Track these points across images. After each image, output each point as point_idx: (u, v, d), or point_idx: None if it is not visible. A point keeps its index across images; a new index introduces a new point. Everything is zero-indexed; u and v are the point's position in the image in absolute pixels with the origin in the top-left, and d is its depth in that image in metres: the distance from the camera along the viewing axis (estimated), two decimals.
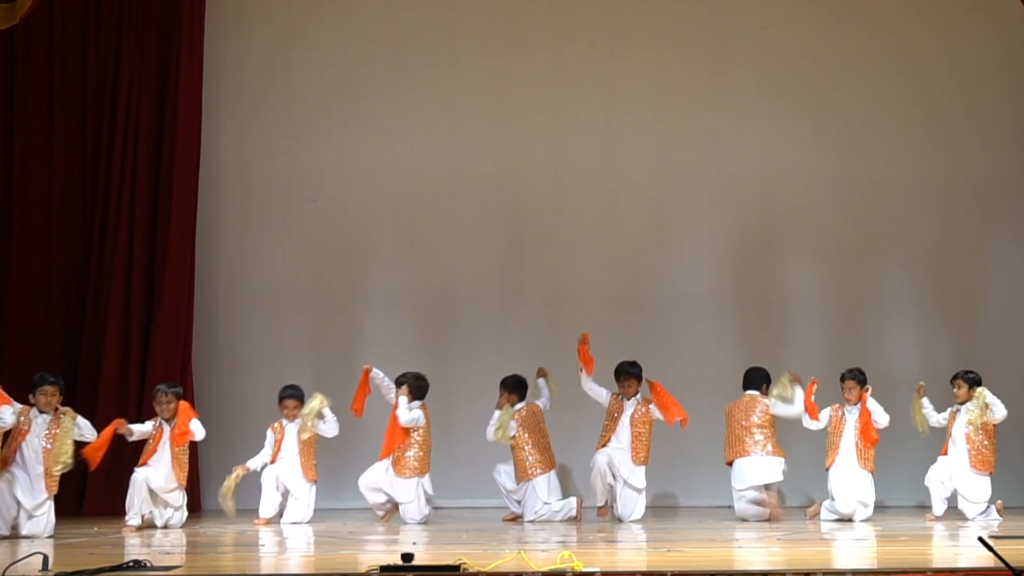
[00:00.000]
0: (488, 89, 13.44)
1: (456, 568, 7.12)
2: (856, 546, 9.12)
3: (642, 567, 7.68)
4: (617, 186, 13.36)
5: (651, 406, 11.37)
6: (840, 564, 7.94)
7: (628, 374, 11.47)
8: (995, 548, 6.83)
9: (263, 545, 9.46)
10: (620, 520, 11.21)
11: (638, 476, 11.34)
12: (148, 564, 7.63)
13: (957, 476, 11.12)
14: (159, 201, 12.71)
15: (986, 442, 11.12)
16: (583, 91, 13.42)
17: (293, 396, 11.45)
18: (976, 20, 13.31)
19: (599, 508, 11.39)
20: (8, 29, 11.99)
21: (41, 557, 7.51)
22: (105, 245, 12.62)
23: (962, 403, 11.24)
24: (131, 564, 7.56)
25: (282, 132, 13.36)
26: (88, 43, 12.92)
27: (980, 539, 7.02)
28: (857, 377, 11.29)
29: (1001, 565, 6.73)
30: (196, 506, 12.48)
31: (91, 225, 12.73)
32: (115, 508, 11.46)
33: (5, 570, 7.25)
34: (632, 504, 11.32)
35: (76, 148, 12.83)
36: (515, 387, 11.56)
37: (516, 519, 11.41)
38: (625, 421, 11.40)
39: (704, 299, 13.03)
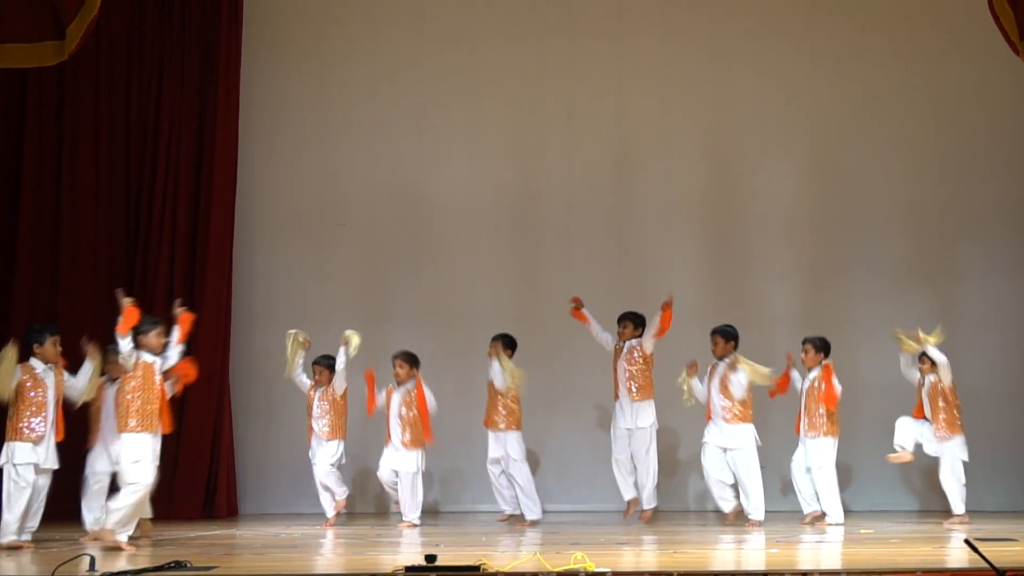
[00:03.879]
0: (506, 121, 13.48)
1: (476, 568, 7.15)
2: (852, 547, 9.11)
3: (651, 567, 7.70)
4: (625, 212, 13.40)
5: (642, 341, 11.42)
6: (836, 565, 7.94)
7: (626, 317, 11.53)
8: (980, 550, 6.82)
9: (296, 547, 9.48)
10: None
11: (644, 415, 11.39)
12: (188, 564, 7.67)
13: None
14: (198, 226, 12.76)
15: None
16: (594, 125, 13.47)
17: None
18: (962, 59, 13.32)
19: (631, 502, 11.44)
20: (58, 66, 12.06)
21: (88, 558, 7.57)
22: (147, 269, 12.66)
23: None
24: (172, 565, 7.60)
25: (313, 162, 13.42)
26: (132, 79, 12.98)
27: (966, 541, 7.01)
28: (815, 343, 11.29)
29: (986, 566, 6.73)
30: (233, 510, 12.52)
31: (135, 249, 12.77)
32: (155, 511, 11.51)
33: (55, 570, 7.29)
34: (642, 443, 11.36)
35: (120, 177, 12.88)
36: (510, 343, 11.62)
37: (510, 519, 11.43)
38: (622, 364, 11.46)
39: (708, 317, 13.01)
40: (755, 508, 11.04)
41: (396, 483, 11.28)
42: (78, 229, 12.63)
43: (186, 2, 13.00)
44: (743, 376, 11.08)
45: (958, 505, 11.17)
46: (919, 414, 11.35)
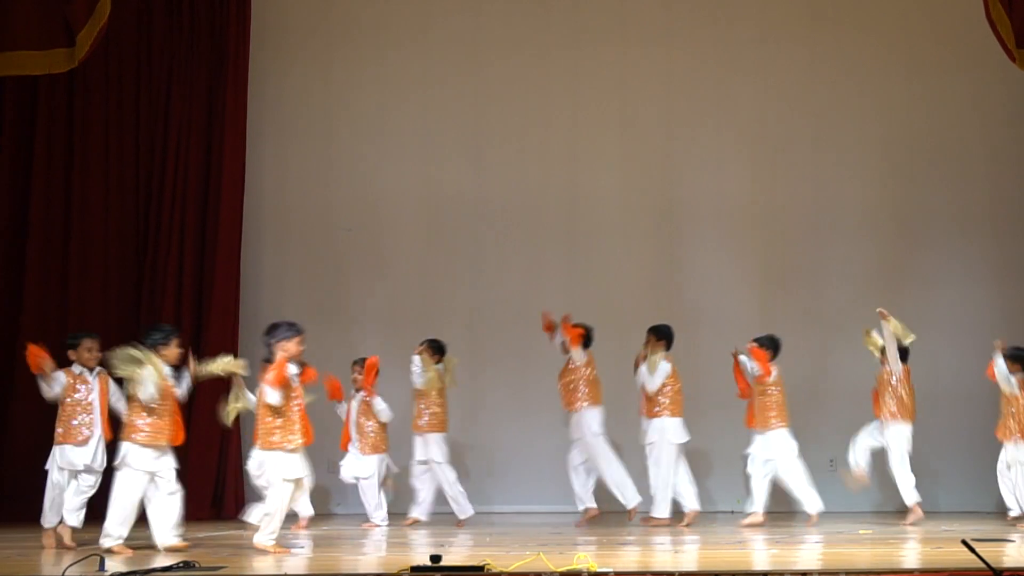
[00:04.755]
0: (511, 128, 13.55)
1: (480, 569, 7.16)
2: (851, 547, 9.12)
3: (652, 567, 7.70)
4: (628, 214, 13.46)
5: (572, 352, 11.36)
6: (836, 565, 7.95)
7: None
8: (977, 550, 6.83)
9: (302, 547, 9.49)
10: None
11: (584, 424, 11.27)
12: (196, 565, 7.69)
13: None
14: (207, 231, 12.79)
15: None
16: (597, 133, 13.55)
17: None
18: (957, 68, 13.39)
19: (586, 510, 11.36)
20: (68, 72, 12.07)
21: (98, 558, 7.59)
22: (156, 274, 12.69)
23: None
24: (181, 565, 7.62)
25: (320, 168, 13.47)
26: (140, 86, 13.03)
27: (963, 542, 7.02)
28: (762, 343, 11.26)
29: (982, 565, 6.74)
30: (242, 510, 12.51)
31: (144, 255, 12.80)
32: None
33: (65, 570, 7.31)
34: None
35: (129, 183, 12.91)
36: (438, 349, 11.55)
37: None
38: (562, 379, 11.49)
39: (709, 319, 13.05)
40: (657, 504, 11.08)
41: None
42: (88, 234, 12.65)
43: (195, 10, 13.04)
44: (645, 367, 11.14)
45: (909, 495, 11.08)
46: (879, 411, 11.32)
